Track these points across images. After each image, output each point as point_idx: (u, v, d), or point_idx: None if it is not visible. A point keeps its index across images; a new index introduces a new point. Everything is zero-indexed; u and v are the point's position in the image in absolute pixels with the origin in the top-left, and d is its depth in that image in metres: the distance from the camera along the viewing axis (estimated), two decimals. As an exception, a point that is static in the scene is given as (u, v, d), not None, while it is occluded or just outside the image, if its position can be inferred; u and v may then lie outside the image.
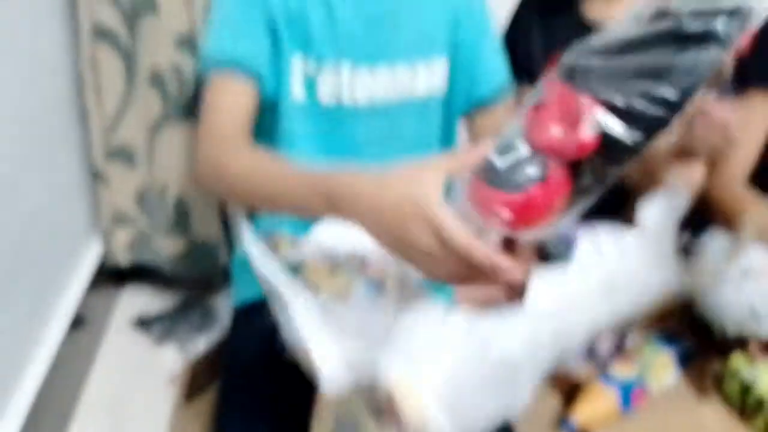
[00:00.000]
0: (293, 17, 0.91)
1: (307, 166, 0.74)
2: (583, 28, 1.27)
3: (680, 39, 0.62)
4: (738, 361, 1.21)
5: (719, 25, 0.60)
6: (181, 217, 1.24)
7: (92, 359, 1.19)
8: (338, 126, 0.96)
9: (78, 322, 1.11)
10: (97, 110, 1.11)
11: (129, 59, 1.10)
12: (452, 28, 1.01)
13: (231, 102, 0.88)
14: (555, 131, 0.56)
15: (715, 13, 0.61)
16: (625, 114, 0.57)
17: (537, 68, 1.32)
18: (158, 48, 1.09)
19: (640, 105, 0.58)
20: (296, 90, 0.93)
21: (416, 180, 0.57)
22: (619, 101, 0.58)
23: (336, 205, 0.67)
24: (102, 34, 1.07)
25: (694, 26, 0.62)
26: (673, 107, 0.58)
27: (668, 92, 0.59)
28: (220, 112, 0.87)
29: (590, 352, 1.24)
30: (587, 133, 0.56)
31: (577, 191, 0.57)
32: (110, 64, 1.09)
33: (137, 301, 1.32)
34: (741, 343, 1.28)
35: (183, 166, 1.19)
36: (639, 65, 0.61)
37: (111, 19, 1.06)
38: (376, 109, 0.97)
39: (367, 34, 0.95)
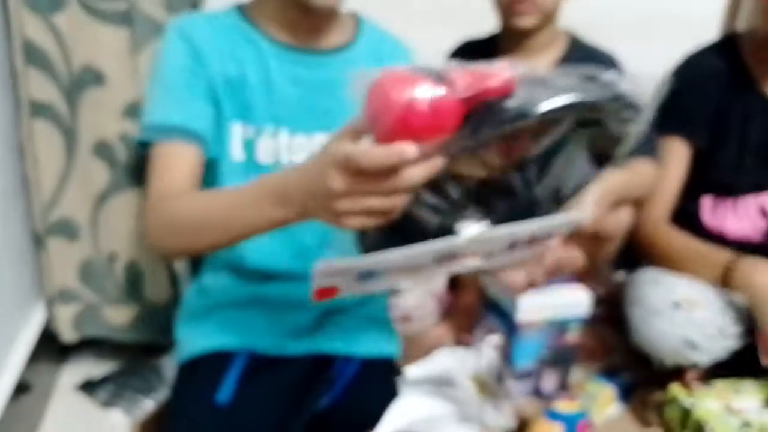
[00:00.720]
0: (233, 85, 0.96)
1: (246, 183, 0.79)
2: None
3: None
4: (676, 390, 1.26)
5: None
6: (133, 285, 1.25)
7: (38, 425, 1.17)
8: None
9: (22, 389, 1.09)
10: (37, 185, 1.12)
11: (69, 133, 1.12)
12: None
13: (178, 166, 0.90)
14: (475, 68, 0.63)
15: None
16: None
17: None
18: (104, 118, 1.11)
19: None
20: (235, 152, 0.97)
21: (331, 142, 0.65)
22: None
23: (282, 195, 0.73)
24: (40, 109, 1.09)
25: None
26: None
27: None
28: (168, 175, 0.89)
29: (535, 390, 1.27)
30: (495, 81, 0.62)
31: (464, 131, 0.61)
32: (49, 138, 1.11)
33: (83, 365, 1.32)
34: (679, 372, 1.34)
35: (132, 233, 1.21)
36: None
37: (49, 94, 1.09)
38: None
39: (304, 102, 1.00)
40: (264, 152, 0.97)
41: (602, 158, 0.76)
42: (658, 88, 0.77)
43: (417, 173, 0.60)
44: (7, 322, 1.11)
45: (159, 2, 1.06)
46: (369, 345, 1.06)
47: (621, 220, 1.32)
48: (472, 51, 1.43)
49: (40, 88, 1.08)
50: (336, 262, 0.65)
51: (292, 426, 0.93)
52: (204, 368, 0.97)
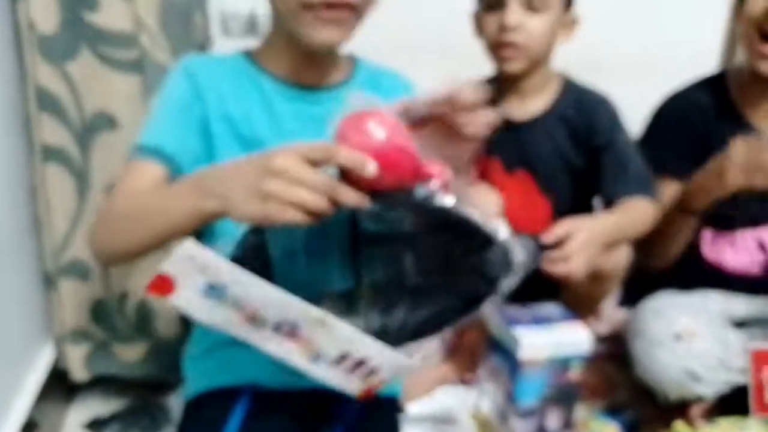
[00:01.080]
0: (233, 122, 0.99)
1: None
2: (499, 128, 1.36)
3: None
4: (680, 427, 1.26)
5: None
6: (143, 322, 1.26)
7: (45, 464, 1.17)
8: None
9: (30, 427, 1.10)
10: (49, 226, 1.15)
11: (81, 176, 1.14)
12: None
13: (142, 179, 0.90)
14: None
15: None
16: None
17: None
18: (116, 160, 1.13)
19: None
20: None
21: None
22: None
23: (201, 185, 0.75)
24: (52, 153, 1.11)
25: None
26: None
27: None
28: (125, 187, 0.89)
29: (540, 428, 1.28)
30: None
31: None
32: (61, 181, 1.14)
33: (90, 404, 1.32)
34: (683, 409, 1.33)
35: (142, 272, 1.22)
36: None
37: (62, 138, 1.11)
38: None
39: (305, 135, 1.01)
40: None
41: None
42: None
43: (350, 194, 0.67)
44: (16, 361, 1.13)
45: (168, 50, 1.09)
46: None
47: (618, 259, 1.33)
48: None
49: (53, 133, 1.11)
50: (202, 250, 0.65)
51: None
52: (209, 406, 0.99)
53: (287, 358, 0.74)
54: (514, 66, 1.32)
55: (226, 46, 1.74)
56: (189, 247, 0.65)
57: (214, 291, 0.68)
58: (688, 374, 1.26)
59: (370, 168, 0.66)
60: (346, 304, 0.74)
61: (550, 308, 1.33)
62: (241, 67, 1.02)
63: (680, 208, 1.35)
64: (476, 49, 1.36)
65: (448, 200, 0.70)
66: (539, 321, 1.27)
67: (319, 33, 0.93)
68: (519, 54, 1.30)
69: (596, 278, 1.31)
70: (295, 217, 0.66)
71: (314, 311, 0.69)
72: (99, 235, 0.88)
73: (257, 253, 0.73)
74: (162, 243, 0.81)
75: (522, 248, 0.72)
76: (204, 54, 1.06)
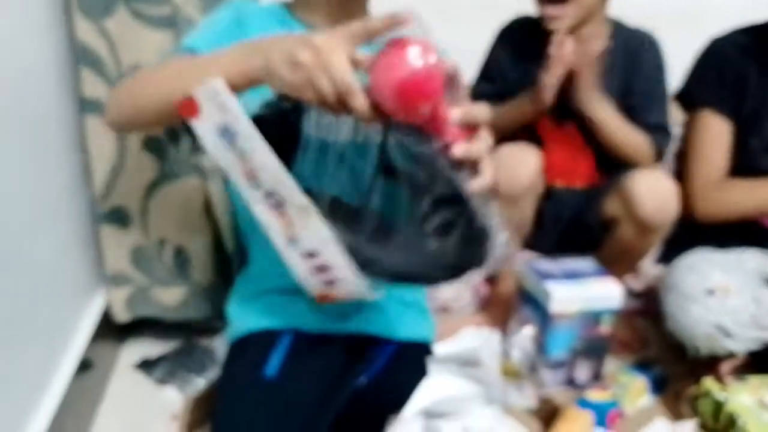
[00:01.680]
0: None
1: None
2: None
3: None
4: (710, 383, 1.28)
5: None
6: (181, 268, 1.31)
7: (99, 400, 1.26)
8: None
9: (85, 366, 1.18)
10: (93, 177, 1.20)
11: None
12: None
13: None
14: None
15: None
16: None
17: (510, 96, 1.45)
18: None
19: None
20: None
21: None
22: None
23: (250, 45, 0.77)
24: (92, 106, 1.15)
25: None
26: None
27: None
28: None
29: (569, 380, 1.31)
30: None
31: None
32: (102, 133, 1.18)
33: (140, 344, 1.40)
34: (712, 365, 1.35)
35: (179, 220, 1.27)
36: None
37: (101, 92, 1.15)
38: None
39: None
40: None
41: None
42: None
43: (360, 102, 0.68)
44: (71, 303, 1.20)
45: (199, 6, 1.12)
46: (406, 328, 1.11)
47: (667, 214, 1.33)
48: (525, 30, 1.47)
49: (92, 86, 1.14)
50: (227, 91, 0.68)
51: (334, 400, 0.99)
52: (253, 346, 1.05)
53: (268, 228, 0.77)
54: (559, 24, 1.34)
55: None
56: (217, 83, 0.69)
57: (227, 134, 0.71)
58: (719, 329, 1.26)
59: (403, 20, 0.67)
60: (343, 216, 0.76)
61: (582, 263, 1.35)
62: (283, 17, 1.03)
63: None
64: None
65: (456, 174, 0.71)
66: (571, 275, 1.29)
67: None
68: (566, 13, 1.32)
69: (644, 230, 1.34)
70: (310, 98, 0.69)
71: (300, 197, 0.72)
72: (122, 94, 0.90)
73: (283, 119, 0.76)
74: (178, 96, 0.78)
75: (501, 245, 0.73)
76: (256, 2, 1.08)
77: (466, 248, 0.72)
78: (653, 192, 1.31)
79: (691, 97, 1.44)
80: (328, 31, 0.70)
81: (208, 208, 1.26)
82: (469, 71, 1.53)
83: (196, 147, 1.02)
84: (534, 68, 1.40)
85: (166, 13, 1.10)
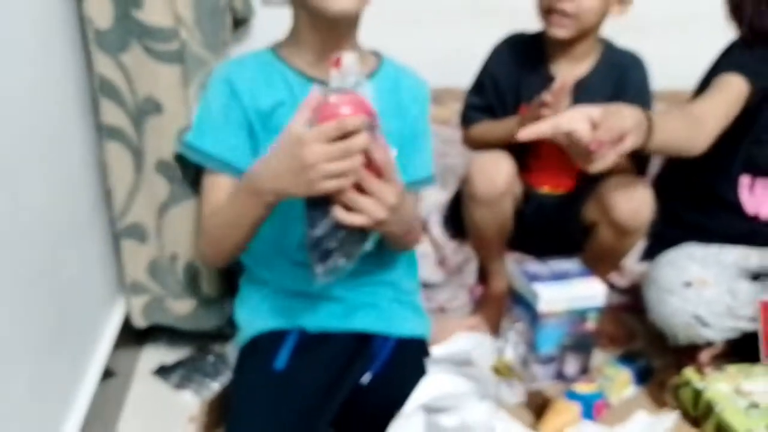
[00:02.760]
0: (265, 115, 1.10)
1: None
2: (549, 85, 1.42)
3: None
4: (690, 374, 1.35)
5: None
6: (191, 281, 1.39)
7: (121, 405, 1.34)
8: None
9: (108, 374, 1.25)
10: (113, 196, 1.28)
11: (137, 152, 1.26)
12: (399, 119, 1.16)
13: (218, 194, 1.10)
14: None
15: None
16: None
17: (505, 112, 1.50)
18: (163, 141, 1.25)
19: None
20: None
21: (285, 131, 0.90)
22: None
23: (257, 190, 0.96)
24: (112, 133, 1.24)
25: None
26: None
27: None
28: (211, 201, 1.11)
29: (559, 374, 1.39)
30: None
31: None
32: (121, 157, 1.26)
33: (157, 352, 1.48)
34: (693, 354, 1.42)
35: (190, 237, 1.34)
36: None
37: (120, 120, 1.23)
38: None
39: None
40: None
41: None
42: None
43: (361, 139, 0.87)
44: (95, 315, 1.27)
45: (204, 44, 1.20)
46: (404, 326, 1.20)
47: (642, 215, 1.39)
48: (519, 46, 1.53)
49: (112, 114, 1.22)
50: None
51: (338, 390, 1.08)
52: (262, 344, 1.14)
53: None
54: (562, 33, 1.39)
55: (267, 14, 1.85)
56: None
57: None
58: (696, 319, 1.33)
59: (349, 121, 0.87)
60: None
61: (568, 264, 1.43)
62: (270, 62, 1.11)
63: None
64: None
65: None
66: (557, 276, 1.37)
67: (336, 2, 0.99)
68: (569, 22, 1.37)
69: (621, 233, 1.41)
70: (339, 184, 0.89)
71: None
72: (207, 251, 1.12)
73: None
74: (251, 236, 1.05)
75: None
76: (235, 58, 1.16)
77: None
78: (628, 198, 1.38)
79: (721, 68, 1.41)
80: (304, 144, 0.87)
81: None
82: (467, 77, 1.60)
83: (201, 171, 1.12)
84: (524, 83, 1.47)
85: (174, 48, 1.18)
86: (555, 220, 1.53)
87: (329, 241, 0.93)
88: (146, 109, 1.23)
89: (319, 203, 0.92)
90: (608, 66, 1.48)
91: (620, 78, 1.48)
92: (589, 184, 1.48)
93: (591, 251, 1.50)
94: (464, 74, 1.60)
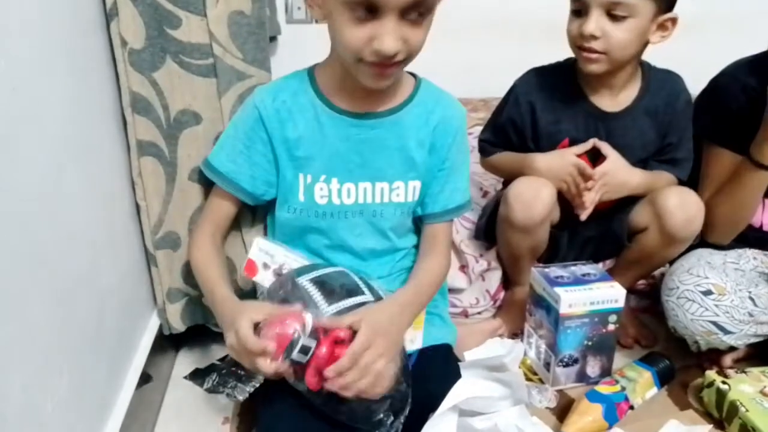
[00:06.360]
0: (291, 144, 1.15)
1: (219, 290, 1.16)
2: (593, 117, 1.45)
3: None
4: (713, 375, 1.36)
5: None
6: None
7: (158, 409, 1.39)
8: (330, 217, 1.19)
9: (145, 379, 1.30)
10: (146, 209, 1.33)
11: (170, 164, 1.31)
12: (428, 152, 1.18)
13: (220, 212, 1.20)
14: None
15: None
16: None
17: (542, 142, 1.50)
18: (199, 149, 1.29)
19: None
20: (300, 195, 1.18)
21: (238, 313, 1.03)
22: None
23: (217, 315, 1.12)
24: (146, 148, 1.28)
25: None
26: None
27: None
28: (211, 217, 1.21)
29: (581, 376, 1.41)
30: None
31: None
32: (155, 172, 1.31)
33: (192, 358, 1.53)
34: (715, 357, 1.43)
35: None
36: None
37: (153, 135, 1.28)
38: (360, 207, 1.19)
39: (352, 156, 1.16)
40: (319, 196, 1.17)
41: None
42: None
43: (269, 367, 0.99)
44: (132, 322, 1.32)
45: (238, 57, 1.25)
46: (431, 336, 1.23)
47: (694, 227, 1.42)
48: (549, 79, 1.49)
49: (145, 131, 1.27)
50: (271, 242, 1.11)
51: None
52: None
53: None
54: (595, 68, 1.37)
55: (291, 31, 1.90)
56: (262, 241, 0.99)
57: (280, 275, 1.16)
58: (717, 327, 1.35)
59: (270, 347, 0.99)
60: None
61: (588, 268, 1.45)
62: (303, 90, 1.16)
63: (753, 163, 1.37)
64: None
65: None
66: (578, 280, 1.40)
67: (375, 82, 1.05)
68: (599, 58, 1.35)
69: (670, 241, 1.43)
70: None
71: None
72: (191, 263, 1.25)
73: None
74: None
75: None
76: (275, 82, 1.21)
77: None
78: (683, 206, 1.40)
79: (708, 135, 1.48)
80: (236, 326, 1.01)
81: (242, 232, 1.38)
82: (480, 89, 1.61)
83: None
84: (565, 117, 1.46)
85: (209, 62, 1.23)
86: (590, 236, 1.56)
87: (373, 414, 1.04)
88: (182, 120, 1.27)
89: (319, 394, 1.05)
90: (653, 90, 1.47)
91: (670, 98, 1.47)
92: (626, 202, 1.50)
93: (631, 254, 1.52)
94: (477, 86, 1.61)
